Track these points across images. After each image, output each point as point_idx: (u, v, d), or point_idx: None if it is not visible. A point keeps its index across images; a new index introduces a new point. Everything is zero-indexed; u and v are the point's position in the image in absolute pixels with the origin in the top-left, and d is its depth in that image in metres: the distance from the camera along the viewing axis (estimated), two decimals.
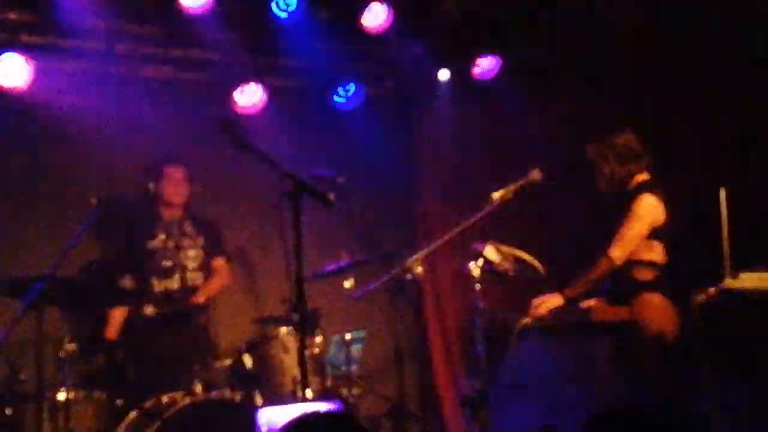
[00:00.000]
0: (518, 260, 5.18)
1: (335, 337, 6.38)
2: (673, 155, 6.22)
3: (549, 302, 5.24)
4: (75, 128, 6.46)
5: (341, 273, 6.20)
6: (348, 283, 6.12)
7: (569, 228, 6.66)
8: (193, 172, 6.50)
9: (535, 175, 5.35)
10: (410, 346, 7.16)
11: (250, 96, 6.89)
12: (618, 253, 5.21)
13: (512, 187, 5.33)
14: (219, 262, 6.53)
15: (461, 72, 7.33)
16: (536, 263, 5.20)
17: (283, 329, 5.99)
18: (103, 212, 5.33)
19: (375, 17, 6.57)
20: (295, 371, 5.73)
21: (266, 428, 4.73)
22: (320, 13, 6.52)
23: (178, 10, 6.09)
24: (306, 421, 2.61)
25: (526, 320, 5.22)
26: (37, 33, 6.21)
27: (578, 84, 6.88)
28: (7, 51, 6.05)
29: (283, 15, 6.36)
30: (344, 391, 6.09)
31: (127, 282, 6.27)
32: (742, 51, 6.11)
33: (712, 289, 4.89)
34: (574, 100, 6.85)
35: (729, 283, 4.85)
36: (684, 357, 5.01)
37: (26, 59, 6.10)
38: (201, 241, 6.49)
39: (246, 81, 6.82)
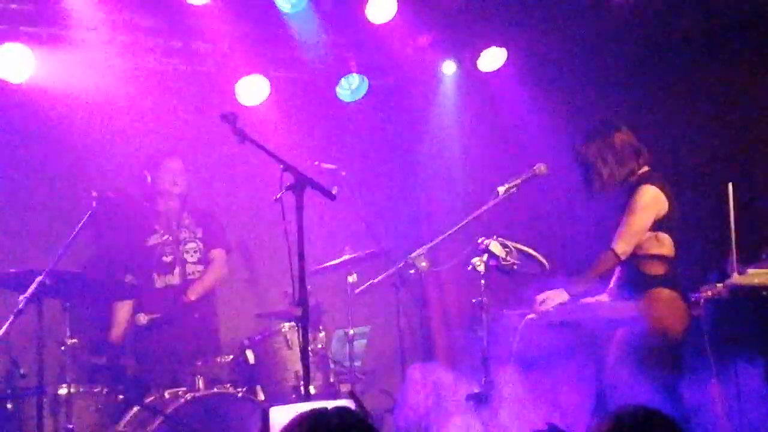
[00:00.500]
0: (523, 255, 5.14)
1: (338, 333, 6.36)
2: (680, 150, 6.17)
3: (554, 298, 5.19)
4: (75, 120, 6.43)
5: (344, 268, 6.16)
6: (351, 278, 6.08)
7: (574, 222, 6.61)
8: (193, 166, 6.46)
9: (541, 168, 5.30)
10: (414, 342, 7.12)
11: (253, 88, 6.83)
12: (622, 247, 5.14)
13: (517, 181, 5.28)
14: (217, 253, 6.48)
15: (466, 64, 7.27)
16: (541, 258, 5.16)
17: (286, 324, 5.97)
18: (103, 206, 5.29)
19: (379, 9, 6.51)
20: (298, 366, 5.71)
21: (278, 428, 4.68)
22: (324, 4, 6.46)
23: (181, 2, 6.04)
24: (313, 418, 2.55)
25: (531, 315, 5.17)
26: (38, 24, 6.16)
27: (584, 76, 6.83)
28: (8, 42, 6.00)
29: (287, 7, 6.31)
30: (347, 387, 6.06)
31: (128, 279, 6.24)
32: (750, 42, 6.05)
33: (719, 285, 4.84)
34: (579, 93, 6.80)
35: (736, 278, 4.79)
36: (691, 352, 4.96)
37: (28, 50, 6.05)
38: (200, 233, 6.44)
39: (249, 72, 6.76)
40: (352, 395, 4.09)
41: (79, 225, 5.25)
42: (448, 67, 7.38)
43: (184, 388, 5.64)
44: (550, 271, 5.16)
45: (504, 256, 5.08)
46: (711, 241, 5.22)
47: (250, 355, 5.91)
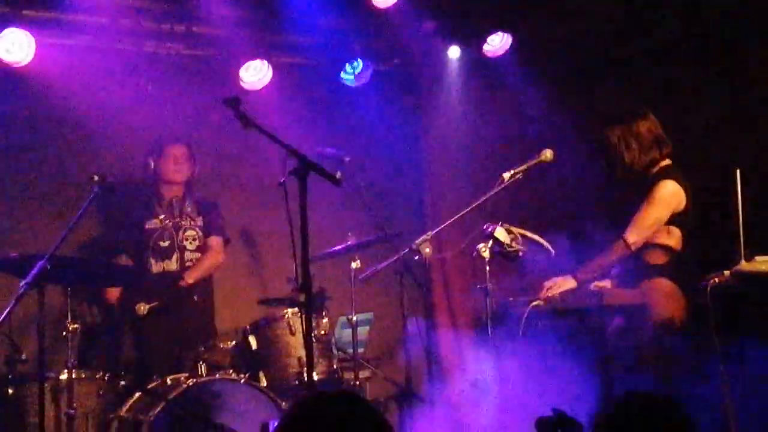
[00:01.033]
0: (529, 241, 5.10)
1: (341, 319, 6.33)
2: (688, 135, 6.12)
3: (561, 284, 5.17)
4: (77, 104, 6.39)
5: (348, 253, 6.13)
6: (355, 264, 6.05)
7: (581, 208, 6.56)
8: (196, 151, 6.42)
9: (547, 154, 5.26)
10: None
11: (256, 73, 6.78)
12: (634, 237, 5.11)
13: (523, 167, 5.25)
14: (213, 241, 6.46)
15: (471, 49, 7.21)
16: (546, 244, 5.12)
17: (289, 310, 5.95)
18: (105, 190, 5.26)
19: None
20: (301, 353, 5.71)
21: None
22: None
23: None
24: (311, 403, 2.51)
25: (537, 302, 5.14)
26: (40, 7, 6.12)
27: (590, 62, 6.77)
28: (10, 26, 5.96)
29: None
30: (351, 374, 6.04)
31: (122, 260, 6.20)
32: (761, 28, 6.00)
33: (726, 272, 4.80)
34: (585, 78, 6.75)
35: (744, 265, 4.75)
36: (693, 341, 4.93)
37: (29, 34, 6.01)
38: (200, 221, 6.42)
39: (252, 58, 6.71)
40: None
41: (81, 209, 5.22)
42: (453, 52, 7.32)
43: (186, 374, 5.62)
44: (556, 258, 5.13)
45: (509, 242, 5.05)
46: (718, 228, 5.17)
47: (253, 341, 5.90)
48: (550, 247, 5.14)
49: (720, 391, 4.69)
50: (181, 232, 6.35)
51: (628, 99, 6.22)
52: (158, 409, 5.31)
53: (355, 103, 7.28)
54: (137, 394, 5.53)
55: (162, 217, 6.34)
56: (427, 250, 5.34)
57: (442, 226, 5.41)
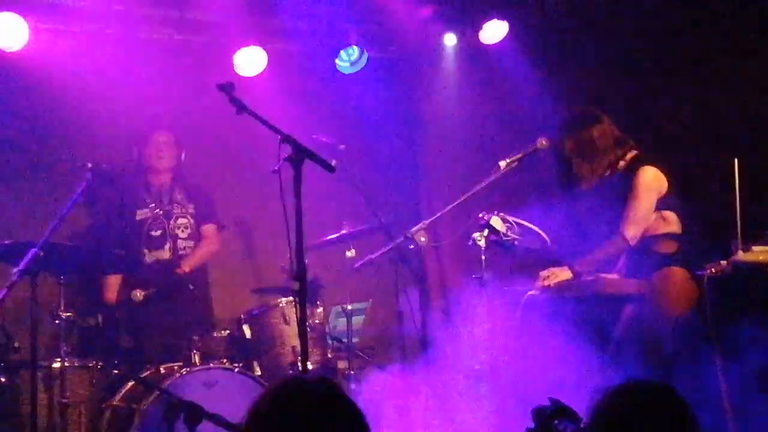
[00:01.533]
0: (525, 230, 5.08)
1: (336, 308, 6.30)
2: (685, 126, 6.09)
3: (558, 275, 5.15)
4: (70, 91, 6.35)
5: (343, 242, 6.10)
6: (350, 253, 6.02)
7: (576, 197, 6.53)
8: (181, 138, 6.38)
9: (543, 143, 5.25)
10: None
11: (250, 59, 6.73)
12: (632, 231, 5.10)
13: (519, 155, 5.23)
14: (208, 229, 6.43)
15: (468, 37, 7.18)
16: (542, 233, 5.10)
17: (283, 299, 5.93)
18: (98, 177, 5.22)
19: None
20: (295, 342, 5.67)
21: None
22: None
23: None
24: (293, 384, 2.50)
25: (533, 291, 5.12)
26: None
27: (586, 50, 6.74)
28: (3, 11, 5.90)
29: None
30: (345, 363, 6.02)
31: (97, 243, 6.17)
32: (759, 18, 5.97)
33: (723, 262, 4.78)
34: (581, 67, 6.72)
35: (741, 256, 4.73)
36: (697, 329, 4.92)
37: (22, 19, 5.95)
38: (191, 208, 6.38)
39: (246, 44, 6.66)
40: None
41: (74, 197, 5.18)
42: (449, 40, 7.28)
43: (180, 363, 5.60)
44: (552, 248, 5.11)
45: (505, 231, 5.04)
46: (716, 218, 5.15)
47: (247, 330, 5.88)
48: (545, 236, 5.12)
49: (717, 381, 4.68)
50: (172, 221, 6.32)
51: (606, 88, 6.20)
52: (151, 398, 5.29)
53: (351, 90, 7.23)
54: (130, 383, 5.50)
55: (152, 206, 6.30)
56: (423, 238, 5.32)
57: (438, 214, 5.39)
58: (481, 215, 5.08)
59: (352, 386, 5.94)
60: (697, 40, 6.22)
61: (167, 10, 6.51)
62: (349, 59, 7.11)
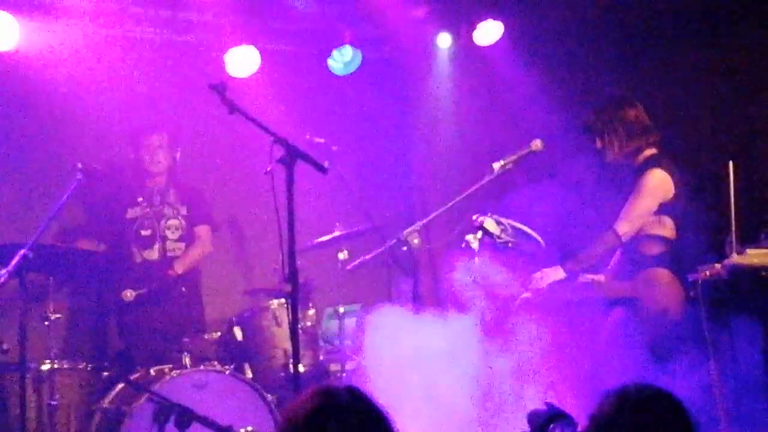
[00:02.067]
0: (518, 232, 5.06)
1: (328, 310, 6.27)
2: (681, 127, 6.08)
3: (550, 276, 5.14)
4: (61, 90, 6.30)
5: (335, 244, 6.07)
6: (342, 255, 6.00)
7: (571, 199, 6.53)
8: (175, 137, 6.34)
9: (537, 144, 5.24)
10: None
11: (243, 60, 6.70)
12: (625, 228, 5.09)
13: (513, 157, 5.22)
14: (202, 230, 6.38)
15: (462, 37, 7.16)
16: (536, 235, 5.09)
17: (275, 301, 5.90)
18: (89, 177, 5.19)
19: None
20: (287, 344, 5.66)
21: None
22: None
23: None
24: (324, 393, 2.46)
25: (527, 293, 5.10)
26: None
27: (581, 51, 6.73)
28: None
29: None
30: (336, 366, 5.99)
31: (100, 248, 6.12)
32: (753, 20, 5.96)
33: (717, 265, 4.77)
34: (576, 68, 6.71)
35: (735, 258, 4.71)
36: (688, 332, 4.90)
37: (12, 18, 5.92)
38: (184, 210, 6.34)
39: (239, 44, 6.63)
40: None
41: (64, 197, 5.15)
42: (444, 40, 7.27)
43: (171, 365, 5.56)
44: (546, 249, 5.09)
45: (498, 233, 5.02)
46: (710, 221, 5.14)
47: (238, 332, 5.84)
48: (539, 238, 5.11)
49: (711, 384, 4.67)
50: (162, 222, 6.28)
51: (601, 89, 6.21)
52: (142, 400, 5.25)
53: (344, 90, 7.21)
54: (120, 385, 5.47)
55: (144, 205, 6.26)
56: (416, 240, 5.30)
57: (431, 216, 5.37)
58: (474, 217, 5.06)
59: None
60: (693, 42, 6.22)
61: (160, 9, 6.48)
62: (342, 60, 7.08)
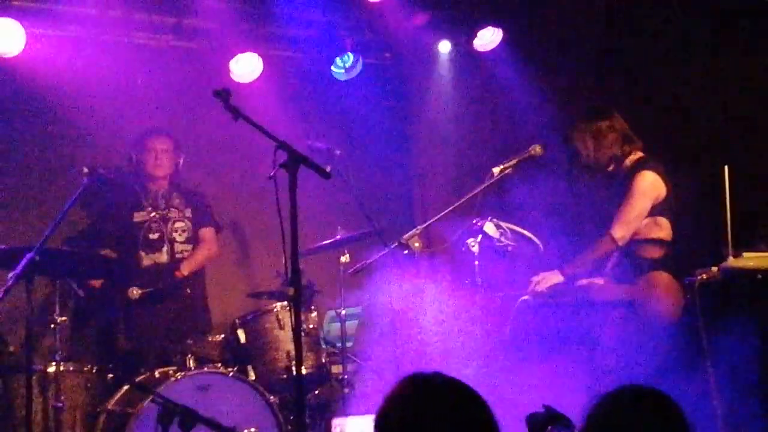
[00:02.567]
0: (518, 236, 5.11)
1: (330, 313, 6.31)
2: (676, 132, 6.13)
3: (549, 279, 5.18)
4: (67, 96, 6.36)
5: (337, 247, 6.12)
6: (344, 258, 6.04)
7: (570, 204, 6.57)
8: (180, 143, 6.39)
9: (537, 149, 5.28)
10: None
11: (246, 66, 6.76)
12: (621, 232, 5.13)
13: (513, 162, 5.26)
14: (207, 232, 6.43)
15: (462, 44, 7.21)
16: (536, 239, 5.14)
17: (278, 304, 5.93)
18: (95, 181, 5.24)
19: None
20: (289, 347, 5.69)
21: None
22: None
23: None
24: (422, 380, 2.50)
25: (525, 297, 5.14)
26: None
27: (579, 57, 6.77)
28: (0, 17, 5.92)
29: None
30: (339, 368, 6.03)
31: (106, 253, 6.17)
32: (749, 22, 6.00)
33: (713, 268, 4.82)
34: (575, 73, 6.75)
35: (731, 262, 4.76)
36: (684, 335, 4.94)
37: (19, 24, 5.97)
38: (189, 212, 6.38)
39: (243, 50, 6.69)
40: None
41: (70, 201, 5.19)
42: (444, 47, 7.32)
43: (175, 367, 5.60)
44: (545, 253, 5.14)
45: (498, 237, 5.05)
46: (706, 224, 5.18)
47: (241, 335, 5.88)
48: (539, 242, 5.15)
49: (707, 387, 4.70)
50: (169, 224, 6.33)
51: (599, 94, 6.28)
52: (146, 402, 5.29)
53: (346, 96, 7.26)
54: (125, 387, 5.50)
55: (149, 209, 6.31)
56: (417, 244, 5.34)
57: (432, 220, 5.40)
58: (474, 221, 5.10)
59: (346, 390, 5.96)
60: (691, 47, 6.25)
61: (164, 16, 6.52)
62: (344, 66, 7.14)
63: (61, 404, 5.23)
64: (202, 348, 5.75)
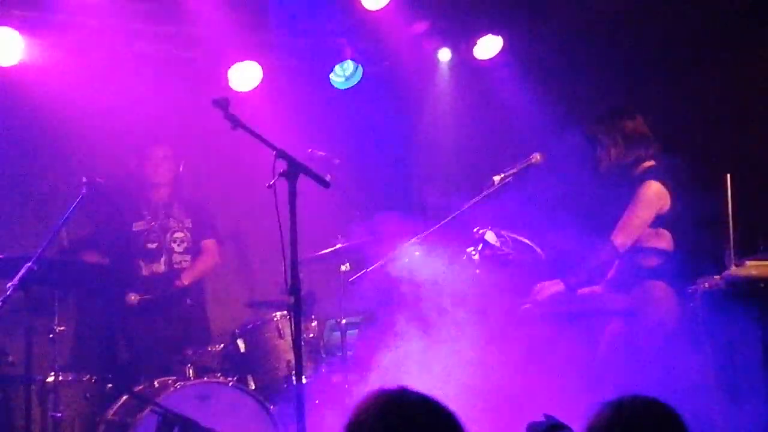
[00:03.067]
0: (519, 244, 5.09)
1: (330, 322, 6.29)
2: (678, 140, 6.11)
3: (550, 288, 5.16)
4: (65, 105, 6.35)
5: (337, 256, 6.10)
6: (344, 267, 6.02)
7: (570, 212, 6.56)
8: (183, 153, 6.38)
9: (537, 158, 5.27)
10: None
11: (245, 74, 6.75)
12: (622, 239, 5.11)
13: (513, 170, 5.25)
14: (209, 244, 6.43)
15: (462, 52, 7.21)
16: (537, 248, 5.12)
17: (278, 313, 5.93)
18: (94, 191, 5.23)
19: None
20: (289, 356, 5.68)
21: None
22: None
23: None
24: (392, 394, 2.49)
25: (527, 305, 5.13)
26: (28, 8, 6.08)
27: (580, 65, 6.77)
28: None
29: None
30: (339, 377, 6.01)
31: (97, 259, 6.15)
32: (750, 31, 6.00)
33: (716, 277, 4.79)
34: (575, 82, 6.75)
35: (734, 270, 4.74)
36: (685, 345, 4.92)
37: (16, 34, 5.97)
38: (188, 223, 6.38)
39: (242, 59, 6.68)
40: None
41: (69, 211, 5.19)
42: (444, 55, 7.32)
43: (174, 377, 5.59)
44: (546, 262, 5.12)
45: (499, 245, 5.04)
46: (708, 233, 5.17)
47: (241, 344, 5.87)
48: (539, 250, 5.13)
49: (710, 396, 4.69)
50: (168, 234, 6.32)
51: (600, 103, 6.26)
52: (145, 412, 5.27)
53: (346, 105, 7.25)
54: (124, 397, 5.50)
55: (148, 218, 6.31)
56: (417, 253, 5.32)
57: (432, 229, 5.39)
58: (475, 230, 5.09)
59: (346, 400, 5.93)
60: (692, 56, 6.26)
61: (163, 25, 6.52)
62: (344, 74, 7.14)
63: (60, 414, 5.24)
64: (201, 358, 5.74)
